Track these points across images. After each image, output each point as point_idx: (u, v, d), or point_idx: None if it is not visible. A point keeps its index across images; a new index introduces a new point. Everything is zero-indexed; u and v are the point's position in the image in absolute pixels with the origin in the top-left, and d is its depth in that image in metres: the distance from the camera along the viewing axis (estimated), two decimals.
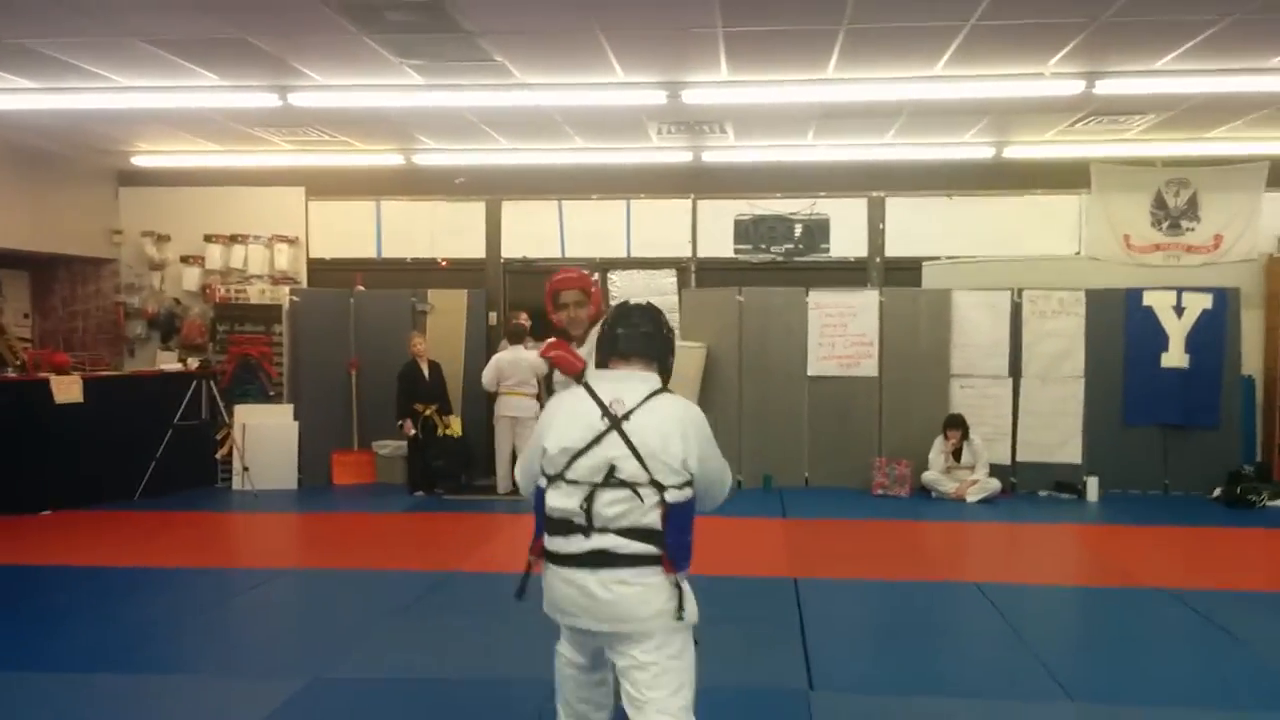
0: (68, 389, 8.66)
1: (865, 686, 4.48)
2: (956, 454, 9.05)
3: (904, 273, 10.04)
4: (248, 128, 8.97)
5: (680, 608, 2.76)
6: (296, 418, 9.76)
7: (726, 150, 9.61)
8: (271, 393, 10.11)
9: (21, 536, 7.61)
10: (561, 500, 2.79)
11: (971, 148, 9.38)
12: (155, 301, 10.86)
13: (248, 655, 5.06)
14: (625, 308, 3.06)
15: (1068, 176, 9.82)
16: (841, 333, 9.55)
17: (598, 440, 2.77)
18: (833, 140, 9.28)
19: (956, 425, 9.03)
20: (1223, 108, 7.97)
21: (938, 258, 10.02)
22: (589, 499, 2.75)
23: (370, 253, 10.78)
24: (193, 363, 9.99)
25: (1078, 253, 9.92)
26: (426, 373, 9.22)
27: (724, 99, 7.64)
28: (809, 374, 9.59)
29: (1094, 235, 9.88)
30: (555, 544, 2.83)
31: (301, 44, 6.62)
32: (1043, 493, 9.24)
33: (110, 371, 9.99)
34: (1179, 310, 9.23)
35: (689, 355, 9.30)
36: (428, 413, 9.08)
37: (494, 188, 10.55)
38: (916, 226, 10.15)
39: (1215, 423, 9.15)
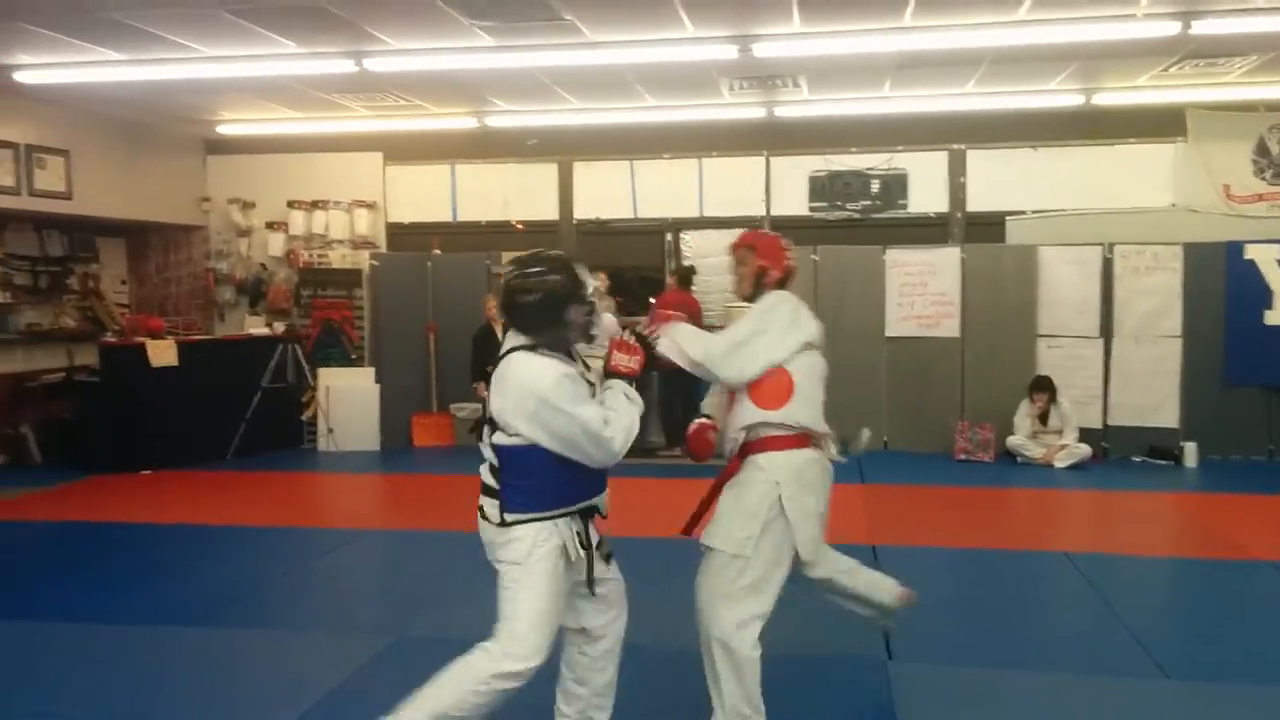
0: (163, 353, 8.97)
1: (946, 658, 4.39)
2: (1044, 418, 8.77)
3: (987, 228, 9.73)
4: (326, 94, 9.10)
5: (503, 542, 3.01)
6: (378, 380, 9.96)
7: (800, 105, 9.40)
8: (353, 356, 10.33)
9: (120, 494, 7.95)
10: None
11: (1058, 95, 9.00)
12: (243, 267, 11.16)
13: (333, 613, 5.21)
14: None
15: (1162, 124, 9.38)
16: (921, 292, 9.32)
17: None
18: (911, 91, 9.01)
19: (1044, 388, 8.75)
20: None
21: (1023, 212, 9.68)
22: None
23: (446, 216, 10.90)
24: (279, 327, 10.25)
25: (1173, 205, 9.48)
26: (501, 335, 9.29)
27: (797, 51, 7.46)
28: (887, 335, 9.39)
29: (1191, 186, 9.42)
30: None
31: (374, 9, 6.66)
32: (1136, 459, 8.90)
33: (202, 335, 10.32)
34: None
35: None
36: None
37: (566, 149, 10.54)
38: (1000, 180, 9.82)
39: None
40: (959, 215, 9.96)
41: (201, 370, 9.16)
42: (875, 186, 10.16)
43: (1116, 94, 8.95)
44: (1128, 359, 9.01)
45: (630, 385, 3.12)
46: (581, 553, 3.07)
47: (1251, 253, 8.82)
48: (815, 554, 3.46)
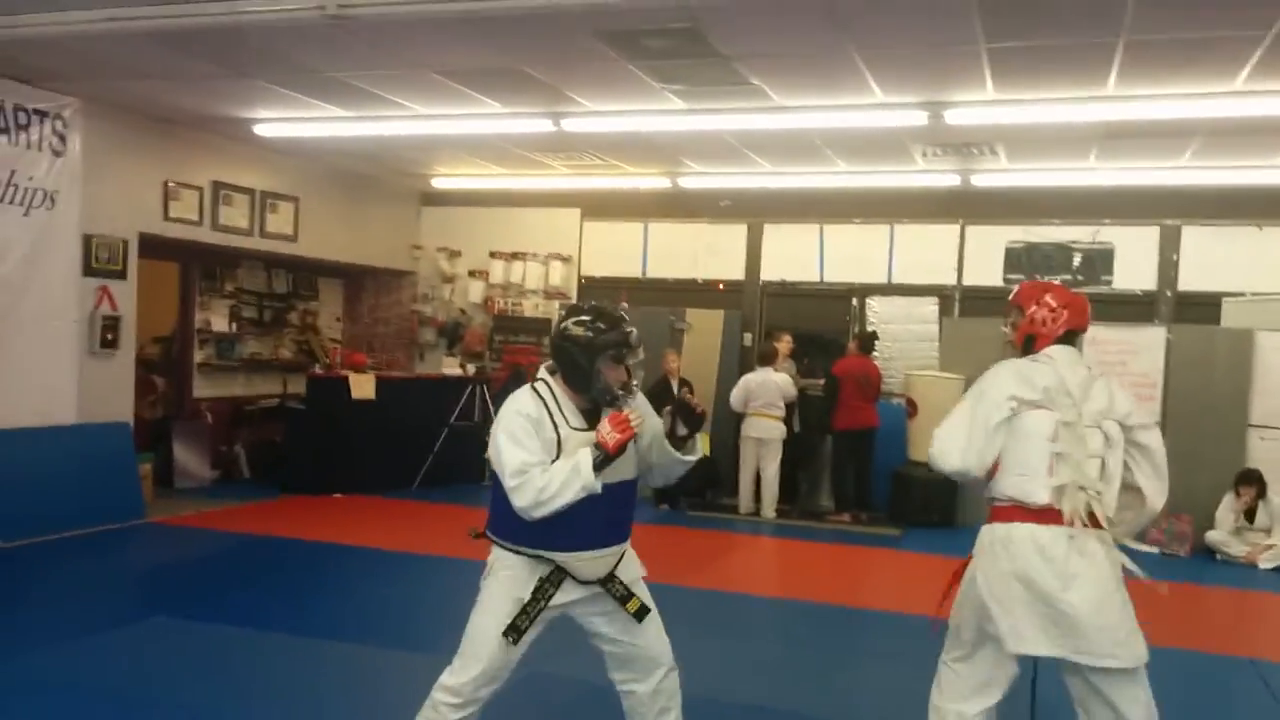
0: (363, 386, 9.65)
1: None
2: (1250, 514, 8.03)
3: (1199, 308, 9.11)
4: (528, 152, 9.63)
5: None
6: None
7: (998, 174, 9.14)
8: None
9: (310, 514, 8.57)
10: None
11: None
12: (445, 311, 11.88)
13: None
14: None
15: None
16: (1121, 371, 8.75)
17: None
18: (1119, 163, 8.59)
19: (1251, 481, 8.02)
20: None
21: (1241, 293, 8.98)
22: None
23: (636, 272, 11.22)
24: (471, 369, 10.82)
25: None
26: (677, 390, 9.44)
27: (991, 119, 7.28)
28: None
29: None
30: None
31: (571, 72, 7.04)
32: None
33: (400, 373, 11.03)
34: None
35: (945, 386, 8.91)
36: None
37: (756, 210, 10.66)
38: (1217, 259, 9.18)
39: None
40: (1168, 294, 9.35)
41: (396, 404, 9.78)
42: (1077, 260, 9.71)
43: None
44: None
45: (603, 459, 2.94)
46: (529, 599, 3.10)
47: None
48: (1019, 646, 3.04)
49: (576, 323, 3.12)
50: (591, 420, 3.09)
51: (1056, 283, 3.57)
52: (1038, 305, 3.27)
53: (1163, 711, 4.69)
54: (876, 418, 9.13)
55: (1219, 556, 8.07)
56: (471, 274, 11.77)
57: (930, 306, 10.08)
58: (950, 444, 3.12)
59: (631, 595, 3.21)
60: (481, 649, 3.10)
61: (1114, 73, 6.24)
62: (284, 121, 8.64)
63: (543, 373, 3.18)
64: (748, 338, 10.49)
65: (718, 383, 10.12)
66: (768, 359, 9.31)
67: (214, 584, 6.29)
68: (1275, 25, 5.34)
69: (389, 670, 4.77)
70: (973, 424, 3.11)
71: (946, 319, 9.80)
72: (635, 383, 3.15)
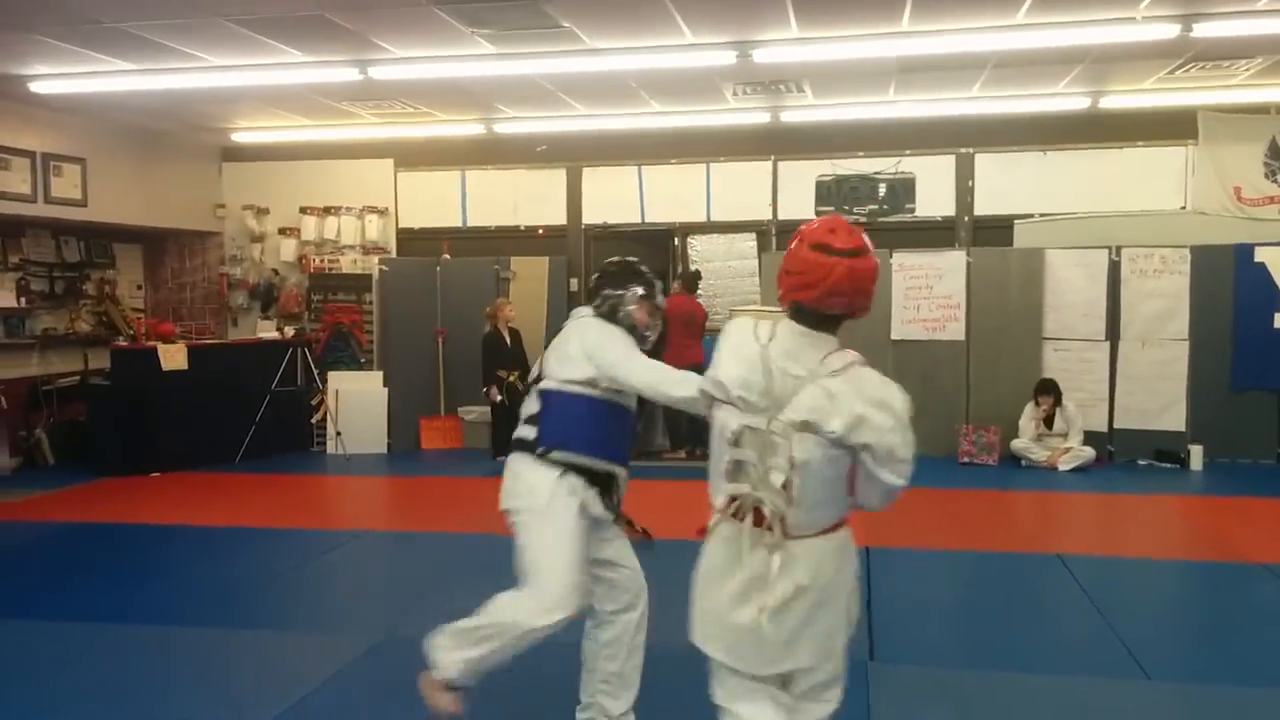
0: (174, 357, 9.11)
1: (927, 658, 4.42)
2: (1049, 421, 8.74)
3: (994, 232, 9.72)
4: (335, 102, 9.20)
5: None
6: (386, 384, 10.07)
7: (806, 109, 9.41)
8: (362, 360, 10.44)
9: (128, 497, 8.08)
10: None
11: (1065, 99, 8.95)
12: (256, 273, 11.30)
13: (325, 612, 5.28)
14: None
15: (1172, 127, 9.30)
16: (927, 295, 9.31)
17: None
18: (916, 96, 8.99)
19: (1049, 390, 8.72)
20: None
21: (1030, 215, 9.65)
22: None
23: (456, 222, 10.98)
24: (289, 331, 10.38)
25: (1182, 207, 9.41)
26: (510, 339, 9.37)
27: (797, 57, 7.47)
28: (893, 338, 9.38)
29: (1201, 188, 9.35)
30: None
31: (376, 18, 6.75)
32: (1142, 462, 8.86)
33: (212, 340, 10.47)
34: None
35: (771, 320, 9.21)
36: (511, 379, 9.24)
37: (574, 154, 10.60)
38: (1008, 183, 9.78)
39: None
40: (966, 219, 9.93)
41: (212, 374, 9.29)
42: (882, 190, 10.15)
43: (1124, 97, 8.89)
44: (1134, 362, 8.96)
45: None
46: (604, 512, 3.32)
47: (1261, 255, 8.76)
48: None
49: (613, 273, 3.51)
50: None
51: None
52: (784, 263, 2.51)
53: (984, 610, 5.14)
54: (703, 354, 9.35)
55: (1024, 462, 8.76)
56: (282, 231, 11.23)
57: (749, 243, 10.35)
58: None
59: (624, 516, 3.49)
60: (568, 577, 3.20)
61: (908, 9, 6.50)
62: (64, 78, 7.94)
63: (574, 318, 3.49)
64: (574, 283, 10.49)
65: (546, 329, 10.09)
66: None
67: (36, 578, 5.86)
68: None
69: (240, 650, 4.61)
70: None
71: (765, 254, 10.10)
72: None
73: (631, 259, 3.59)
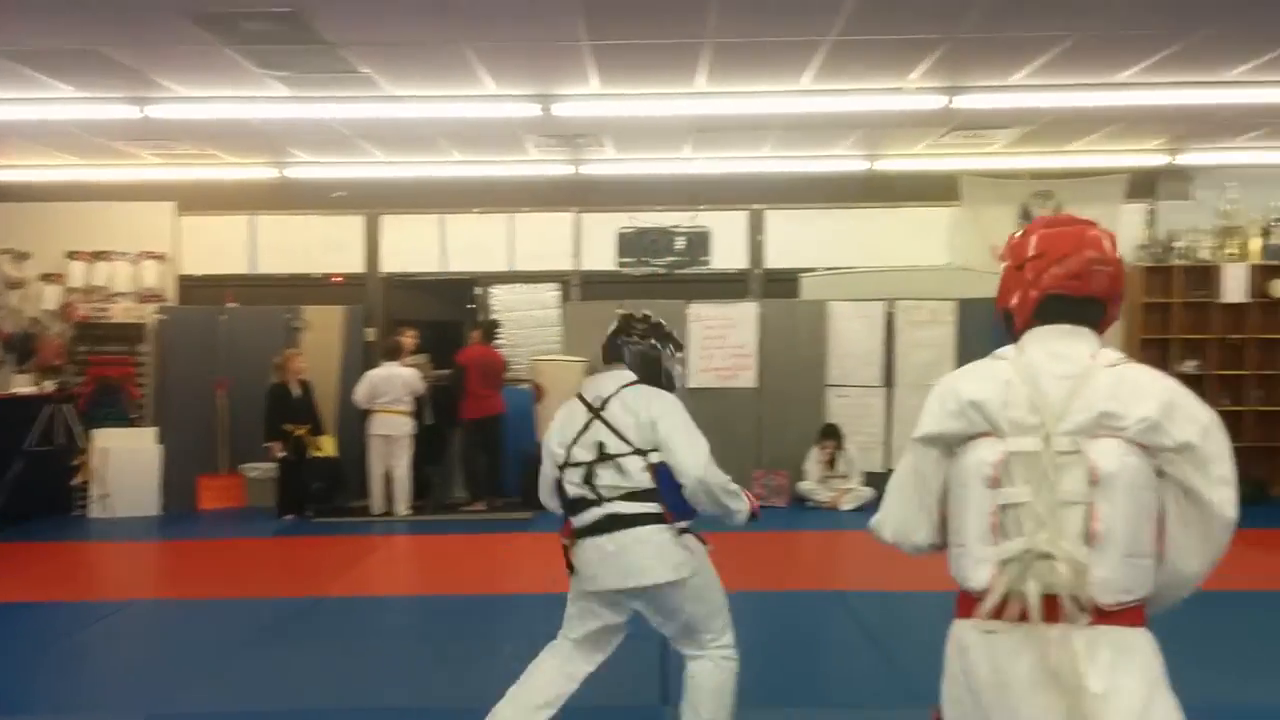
0: None
1: None
2: (831, 463, 9.18)
3: (783, 284, 10.17)
4: (109, 141, 8.61)
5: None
6: (161, 441, 9.35)
7: (607, 163, 9.61)
8: (133, 415, 9.69)
9: None
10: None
11: (845, 161, 9.56)
12: (12, 321, 10.30)
13: (85, 692, 4.78)
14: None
15: (939, 189, 10.08)
16: (721, 344, 9.61)
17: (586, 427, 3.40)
18: (711, 153, 9.36)
19: (831, 435, 9.17)
20: (1079, 121, 8.27)
21: (815, 269, 10.18)
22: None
23: (244, 268, 10.45)
24: (48, 385, 9.49)
25: (948, 263, 10.19)
26: (299, 392, 8.95)
27: (597, 112, 7.63)
28: (689, 386, 9.57)
29: (964, 246, 10.16)
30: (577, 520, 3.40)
31: (158, 55, 6.41)
32: None
33: None
34: None
35: (569, 369, 9.24)
36: (299, 433, 8.81)
37: (372, 201, 10.35)
38: (795, 238, 10.31)
39: None
40: (757, 271, 10.37)
41: None
42: (680, 243, 10.45)
43: (897, 160, 9.59)
44: (907, 406, 9.54)
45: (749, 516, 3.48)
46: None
47: None
48: None
49: (641, 330, 3.59)
50: None
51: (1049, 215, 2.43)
52: (1013, 259, 2.14)
53: (772, 649, 5.26)
54: (503, 404, 9.26)
55: (809, 504, 9.14)
56: (45, 277, 10.32)
57: (552, 292, 10.39)
58: (882, 510, 2.29)
59: None
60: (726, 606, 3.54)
61: (702, 71, 6.77)
62: None
63: (629, 374, 3.48)
64: (370, 332, 10.17)
65: (340, 380, 9.71)
66: (392, 353, 9.10)
67: None
68: (830, 32, 6.07)
69: None
70: (898, 479, 2.24)
71: (567, 304, 10.15)
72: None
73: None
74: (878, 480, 9.27)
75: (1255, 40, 6.20)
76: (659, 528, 3.28)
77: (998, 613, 1.89)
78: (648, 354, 3.56)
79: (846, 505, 8.95)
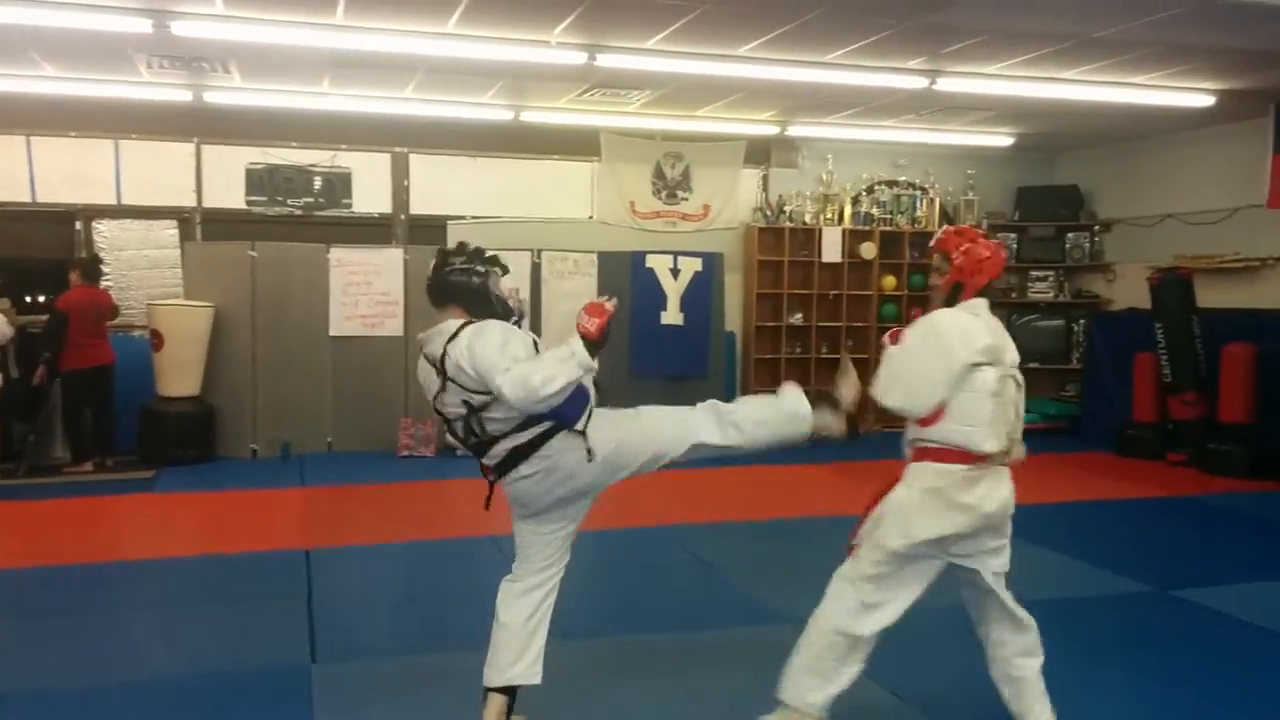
0: None
1: (371, 652, 4.42)
2: None
3: (430, 231, 10.02)
4: None
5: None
6: None
7: (233, 92, 8.85)
8: None
9: None
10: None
11: (491, 109, 9.54)
12: None
13: None
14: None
15: (582, 144, 10.39)
16: (365, 291, 9.32)
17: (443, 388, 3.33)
18: (352, 90, 8.94)
19: None
20: (705, 89, 8.84)
21: (463, 217, 10.13)
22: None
23: None
24: None
25: (590, 217, 10.57)
26: None
27: (221, 34, 6.97)
28: (331, 334, 9.25)
29: (604, 201, 10.60)
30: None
31: None
32: None
33: None
34: (675, 272, 10.18)
35: (193, 315, 8.56)
36: None
37: None
38: (442, 185, 10.18)
39: (705, 373, 10.26)
40: (403, 217, 10.13)
41: None
42: (319, 184, 9.94)
43: (541, 113, 9.71)
44: None
45: (592, 345, 3.12)
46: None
47: (651, 262, 10.15)
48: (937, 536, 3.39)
49: (462, 262, 3.42)
50: None
51: (970, 228, 3.77)
52: (965, 255, 3.38)
53: (427, 597, 5.27)
54: (112, 353, 8.35)
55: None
56: None
57: (169, 230, 9.48)
58: (899, 386, 3.34)
59: None
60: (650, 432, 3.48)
61: (342, 2, 6.43)
62: None
63: (452, 324, 3.31)
64: None
65: None
66: None
67: None
68: None
69: None
70: (930, 374, 3.27)
71: (188, 244, 9.33)
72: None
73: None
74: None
75: (851, 27, 6.95)
76: (562, 435, 3.24)
77: (985, 460, 3.27)
78: (470, 284, 3.38)
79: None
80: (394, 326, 9.38)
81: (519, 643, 3.47)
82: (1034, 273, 11.64)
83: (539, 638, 3.52)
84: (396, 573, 5.90)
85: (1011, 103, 9.03)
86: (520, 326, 3.45)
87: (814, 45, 7.38)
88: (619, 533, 6.16)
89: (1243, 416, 8.61)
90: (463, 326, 3.28)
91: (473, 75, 8.36)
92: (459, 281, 3.39)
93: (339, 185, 9.97)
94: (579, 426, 3.25)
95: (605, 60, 7.54)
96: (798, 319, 10.95)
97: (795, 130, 10.44)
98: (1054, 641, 3.55)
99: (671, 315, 10.16)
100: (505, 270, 3.50)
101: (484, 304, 3.38)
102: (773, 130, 10.41)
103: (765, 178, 11.15)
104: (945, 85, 8.24)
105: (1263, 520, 7.23)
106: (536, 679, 3.49)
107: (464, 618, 4.89)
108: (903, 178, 11.38)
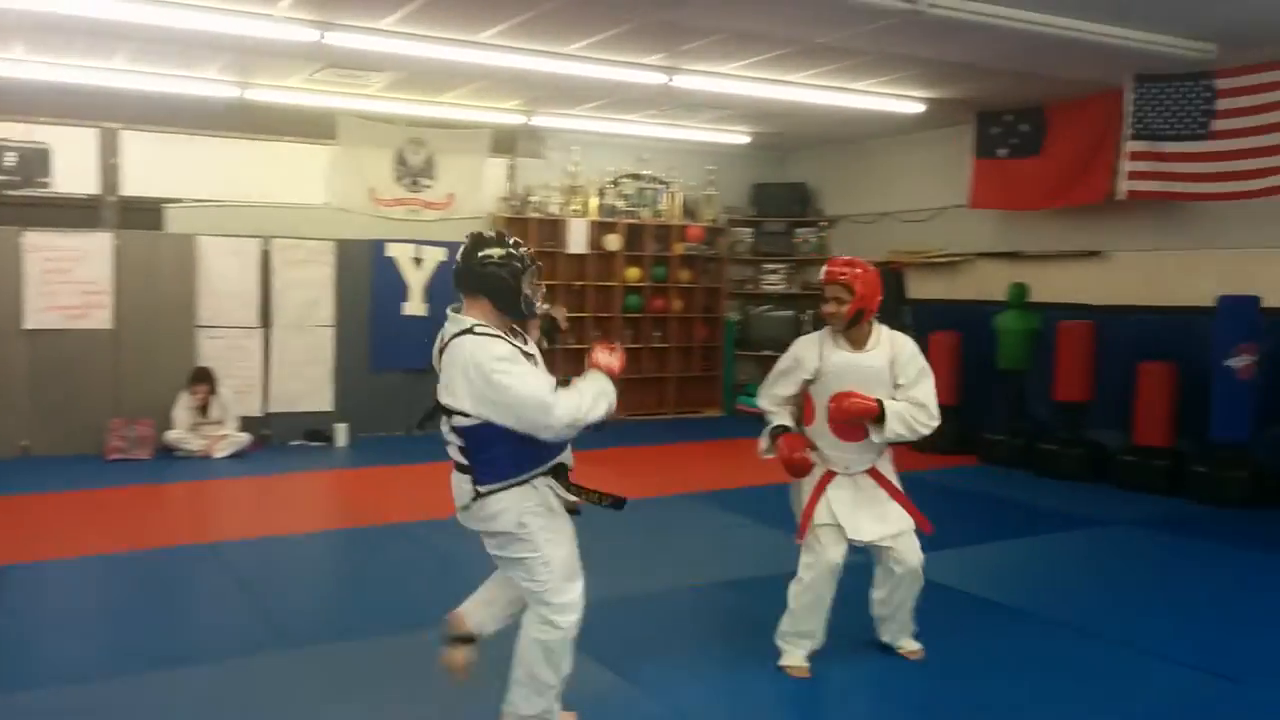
0: None
1: (65, 677, 4.00)
2: (204, 409, 8.65)
3: (144, 214, 9.22)
4: None
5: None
6: None
7: None
8: None
9: None
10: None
11: (215, 85, 8.87)
12: None
13: None
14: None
15: (316, 126, 9.87)
16: (66, 279, 8.46)
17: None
18: (51, 58, 8.06)
19: (203, 379, 8.63)
20: (446, 74, 8.63)
21: (182, 200, 9.40)
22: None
23: None
24: None
25: (327, 203, 10.10)
26: None
27: None
28: (26, 327, 8.33)
29: (342, 187, 10.14)
30: None
31: None
32: (294, 442, 9.30)
33: None
34: (418, 261, 9.94)
35: None
36: None
37: None
38: (157, 165, 9.36)
39: None
40: (112, 199, 9.24)
41: None
42: (11, 160, 8.90)
43: (271, 91, 9.14)
44: (286, 348, 9.38)
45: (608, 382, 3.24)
46: (559, 506, 3.28)
47: (392, 251, 9.86)
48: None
49: (498, 249, 3.26)
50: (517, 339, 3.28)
51: (855, 258, 4.11)
52: (863, 283, 3.92)
53: (134, 613, 4.85)
54: None
55: (179, 453, 8.51)
56: None
57: None
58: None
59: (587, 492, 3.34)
60: (573, 575, 3.31)
61: None
62: None
63: (464, 316, 3.22)
64: None
65: None
66: None
67: None
68: None
69: None
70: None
71: None
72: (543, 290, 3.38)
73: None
74: (255, 425, 8.97)
75: (589, 20, 7.01)
76: (463, 485, 3.25)
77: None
78: (502, 278, 3.23)
79: (221, 452, 8.52)
80: (101, 318, 8.58)
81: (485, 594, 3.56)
82: (766, 266, 12.26)
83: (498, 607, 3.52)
84: (103, 587, 5.39)
85: (745, 102, 9.46)
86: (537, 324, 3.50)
87: (555, 35, 7.39)
88: (144, 555, 5.84)
89: (948, 399, 9.44)
90: (470, 329, 3.18)
91: (191, 47, 7.74)
92: (493, 274, 3.24)
93: (36, 162, 8.96)
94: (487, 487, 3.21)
95: (336, 39, 7.18)
96: (543, 310, 10.94)
97: (541, 120, 10.43)
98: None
99: (414, 306, 9.92)
100: (541, 269, 3.40)
101: (512, 301, 3.27)
102: (519, 120, 10.35)
103: (512, 167, 11.08)
104: (682, 82, 8.50)
105: (960, 492, 7.98)
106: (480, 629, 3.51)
107: (167, 634, 4.55)
108: (647, 171, 11.65)
